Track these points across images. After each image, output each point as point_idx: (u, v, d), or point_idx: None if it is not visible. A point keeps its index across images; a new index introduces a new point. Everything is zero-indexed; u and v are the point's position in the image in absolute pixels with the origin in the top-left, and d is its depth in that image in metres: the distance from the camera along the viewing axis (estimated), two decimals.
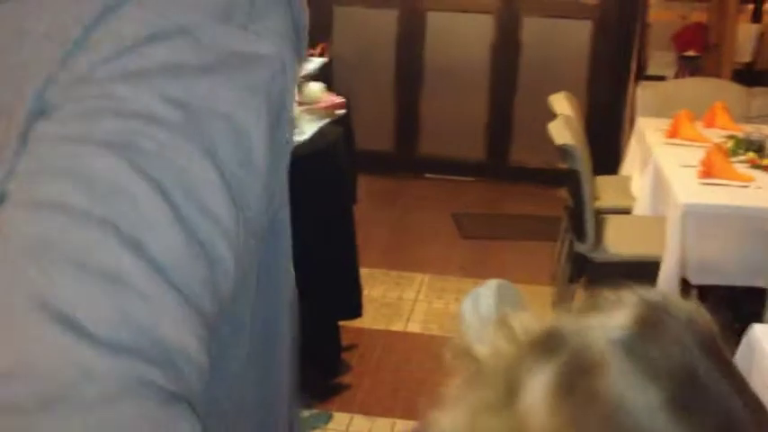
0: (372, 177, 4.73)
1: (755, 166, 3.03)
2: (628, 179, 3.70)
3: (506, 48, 5.10)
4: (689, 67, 4.93)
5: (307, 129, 2.76)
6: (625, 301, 0.54)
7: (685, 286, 2.64)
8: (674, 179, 2.91)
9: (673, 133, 3.44)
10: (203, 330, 0.47)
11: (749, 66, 5.02)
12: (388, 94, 5.26)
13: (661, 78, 4.81)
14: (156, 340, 0.44)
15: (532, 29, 5.02)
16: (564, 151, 2.93)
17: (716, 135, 3.44)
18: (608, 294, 0.55)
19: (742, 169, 2.98)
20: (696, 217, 2.64)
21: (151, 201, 0.46)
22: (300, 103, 3.01)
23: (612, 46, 5.01)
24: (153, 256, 0.45)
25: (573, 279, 3.16)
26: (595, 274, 2.96)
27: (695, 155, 3.09)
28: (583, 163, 2.90)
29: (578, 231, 3.02)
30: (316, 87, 3.33)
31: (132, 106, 0.48)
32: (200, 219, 0.47)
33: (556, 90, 3.77)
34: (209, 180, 0.48)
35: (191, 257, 0.47)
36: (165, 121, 0.48)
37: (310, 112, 3.03)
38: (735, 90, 4.31)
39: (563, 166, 3.02)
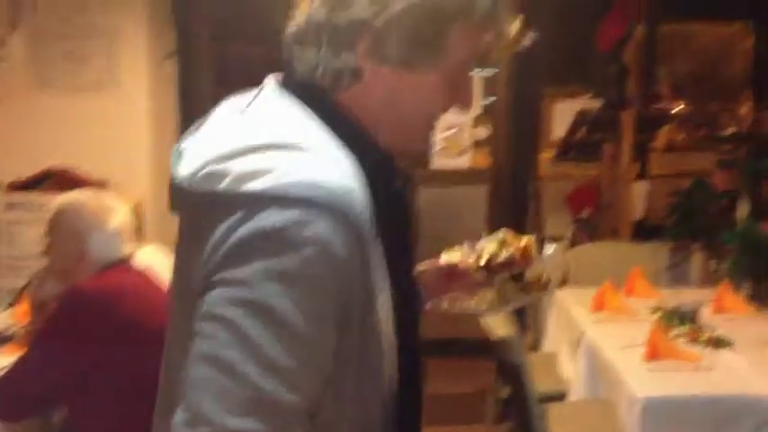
0: None
1: (696, 342, 2.88)
2: (553, 357, 3.50)
3: None
4: (586, 229, 4.90)
5: None
6: None
7: None
8: (619, 365, 2.72)
9: (599, 306, 3.29)
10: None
11: (642, 222, 5.05)
12: None
13: (559, 239, 4.75)
14: None
15: (428, 198, 4.90)
16: (502, 344, 2.70)
17: (640, 304, 3.32)
18: None
19: (685, 346, 2.83)
20: (655, 411, 2.44)
21: None
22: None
23: (508, 210, 4.94)
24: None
25: None
26: None
27: (631, 332, 2.93)
28: (524, 356, 2.67)
29: (523, 429, 2.75)
30: None
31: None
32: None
33: None
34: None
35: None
36: None
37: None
38: (638, 250, 4.28)
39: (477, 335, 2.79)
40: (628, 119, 4.77)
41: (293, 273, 0.93)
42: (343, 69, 1.08)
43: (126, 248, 2.36)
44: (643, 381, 2.57)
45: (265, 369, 0.91)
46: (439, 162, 4.81)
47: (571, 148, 5.26)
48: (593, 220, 4.93)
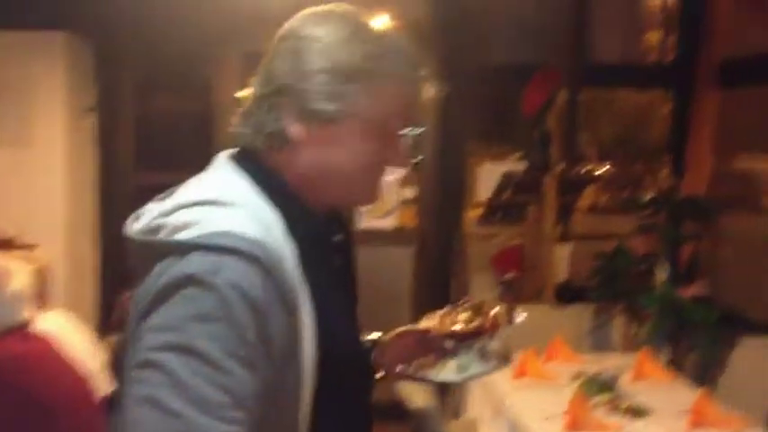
0: None
1: (616, 411, 2.87)
2: (474, 424, 3.45)
3: None
4: (510, 292, 4.89)
5: None
6: None
7: None
8: None
9: (521, 372, 3.26)
10: None
11: (565, 284, 5.07)
12: None
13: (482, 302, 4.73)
14: None
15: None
16: (420, 413, 2.64)
17: (562, 370, 3.31)
18: None
19: (604, 417, 2.81)
20: None
21: None
22: None
23: (434, 270, 4.92)
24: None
25: None
26: None
27: (552, 400, 2.90)
28: (442, 426, 2.61)
29: None
30: None
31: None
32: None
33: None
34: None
35: None
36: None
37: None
38: (561, 313, 4.29)
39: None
40: (551, 182, 4.82)
41: (213, 314, 1.02)
42: (273, 133, 1.20)
43: (25, 313, 2.25)
44: None
45: (199, 406, 0.99)
46: (365, 222, 4.78)
47: (497, 210, 5.29)
48: (518, 282, 4.94)
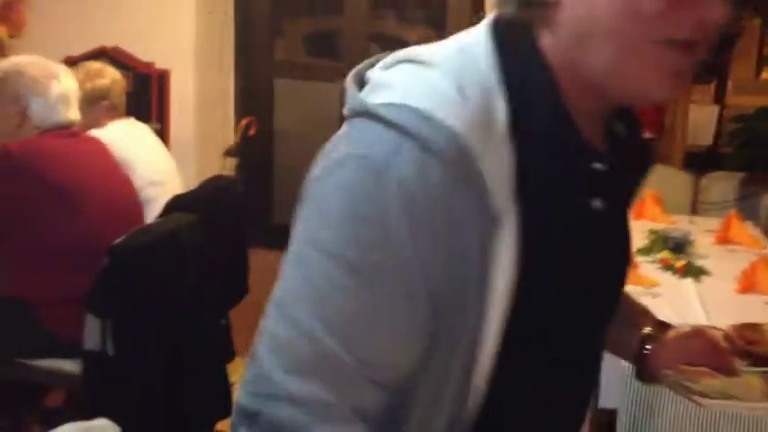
0: None
1: (667, 268, 2.72)
2: None
3: None
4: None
5: None
6: None
7: None
8: None
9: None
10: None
11: (710, 149, 4.73)
12: None
13: None
14: None
15: None
16: None
17: (641, 228, 3.15)
18: None
19: (651, 272, 2.68)
20: None
21: None
22: None
23: None
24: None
25: None
26: None
27: None
28: None
29: None
30: None
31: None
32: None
33: None
34: None
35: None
36: None
37: None
38: (681, 177, 4.03)
39: None
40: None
41: (378, 220, 0.78)
42: None
43: (69, 114, 2.46)
44: None
45: (333, 327, 0.79)
46: None
47: None
48: (653, 142, 4.66)
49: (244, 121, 4.23)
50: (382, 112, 0.81)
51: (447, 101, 0.80)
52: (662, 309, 2.40)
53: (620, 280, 1.04)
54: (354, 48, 4.79)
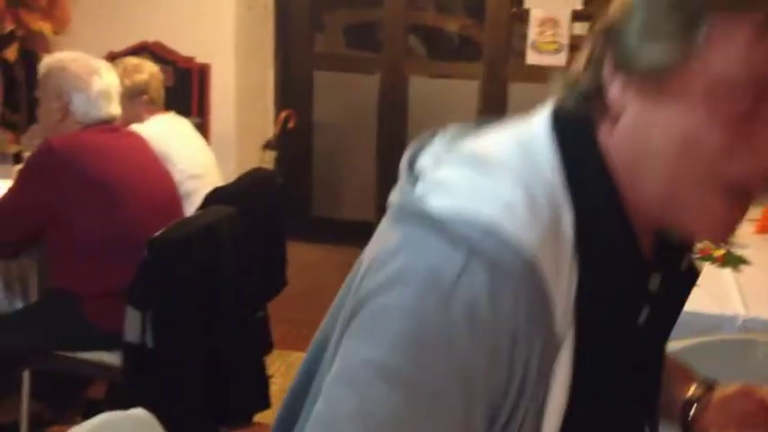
0: (354, 249, 4.48)
1: (705, 257, 2.68)
2: None
3: (492, 113, 4.83)
4: None
5: None
6: None
7: None
8: None
9: None
10: None
11: None
12: (371, 161, 5.04)
13: None
14: None
15: (517, 95, 4.76)
16: None
17: None
18: None
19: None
20: None
21: None
22: None
23: None
24: None
25: None
26: None
27: None
28: None
29: None
30: None
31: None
32: None
33: None
34: None
35: None
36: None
37: None
38: None
39: None
40: None
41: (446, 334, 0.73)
42: (587, 92, 0.81)
43: (111, 109, 2.51)
44: None
45: None
46: (532, 57, 4.63)
47: None
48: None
49: (283, 114, 4.27)
50: (447, 223, 0.74)
51: (516, 214, 0.75)
52: (700, 299, 2.38)
53: (656, 381, 1.00)
54: (394, 39, 4.79)
